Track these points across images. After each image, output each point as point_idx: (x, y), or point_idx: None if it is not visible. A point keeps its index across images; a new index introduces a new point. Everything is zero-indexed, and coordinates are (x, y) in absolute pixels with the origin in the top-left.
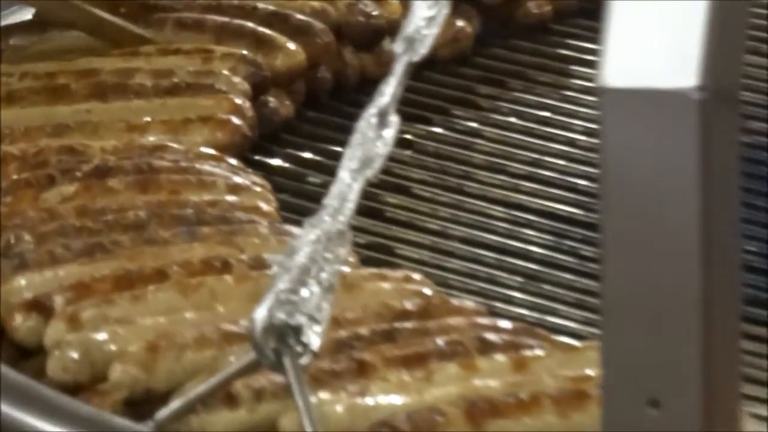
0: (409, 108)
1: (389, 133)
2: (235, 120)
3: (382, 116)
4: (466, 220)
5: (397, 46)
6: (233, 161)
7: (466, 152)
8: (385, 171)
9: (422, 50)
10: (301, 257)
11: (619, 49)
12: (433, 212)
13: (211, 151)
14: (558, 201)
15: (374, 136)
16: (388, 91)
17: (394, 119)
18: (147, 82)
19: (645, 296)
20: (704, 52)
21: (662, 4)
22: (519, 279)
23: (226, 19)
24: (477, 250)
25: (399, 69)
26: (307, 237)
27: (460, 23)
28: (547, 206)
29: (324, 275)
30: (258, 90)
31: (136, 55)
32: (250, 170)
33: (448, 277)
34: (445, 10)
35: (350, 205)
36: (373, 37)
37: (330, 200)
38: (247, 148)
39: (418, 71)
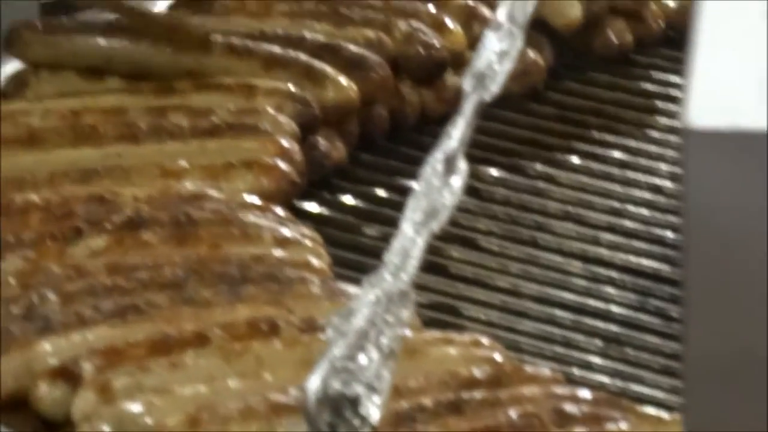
0: (474, 149)
1: (457, 182)
2: (282, 165)
3: (449, 162)
4: (540, 276)
5: (466, 83)
6: (280, 211)
7: (539, 200)
8: (449, 221)
9: (494, 88)
10: (359, 320)
11: (706, 86)
12: (502, 268)
13: (256, 200)
14: (642, 255)
15: (440, 185)
16: (456, 133)
17: (462, 166)
18: (183, 122)
19: (733, 361)
20: None
21: (753, 33)
22: (599, 342)
23: (277, 48)
24: (552, 310)
25: (468, 109)
26: (365, 298)
27: (531, 55)
28: (630, 261)
29: (384, 340)
30: (307, 130)
31: (171, 92)
32: (298, 221)
33: (520, 341)
34: (519, 42)
35: (413, 262)
36: (434, 71)
37: (391, 256)
38: (295, 195)
39: (484, 108)
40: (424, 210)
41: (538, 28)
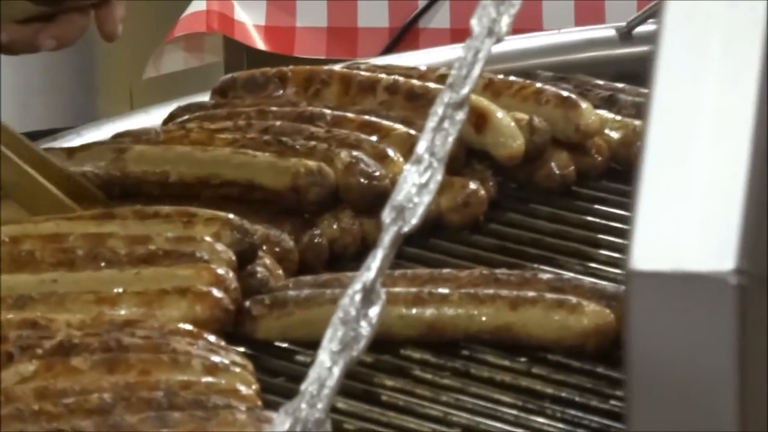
0: None
1: (374, 311)
2: (216, 293)
3: (367, 293)
4: (471, 405)
5: (385, 215)
6: (212, 338)
7: None
8: (384, 350)
9: (413, 220)
10: None
11: (648, 229)
12: (435, 397)
13: (189, 327)
14: (571, 387)
15: (357, 315)
16: (374, 265)
17: (380, 296)
18: (121, 250)
19: None
20: (743, 231)
21: (696, 178)
22: None
23: None
24: None
25: (386, 240)
26: (282, 426)
27: (472, 186)
28: (561, 391)
29: None
30: (245, 258)
31: (111, 218)
32: (231, 348)
33: None
34: (438, 175)
35: (328, 392)
36: (375, 200)
37: (307, 385)
38: (230, 323)
39: (424, 238)
40: (341, 339)
41: (481, 160)
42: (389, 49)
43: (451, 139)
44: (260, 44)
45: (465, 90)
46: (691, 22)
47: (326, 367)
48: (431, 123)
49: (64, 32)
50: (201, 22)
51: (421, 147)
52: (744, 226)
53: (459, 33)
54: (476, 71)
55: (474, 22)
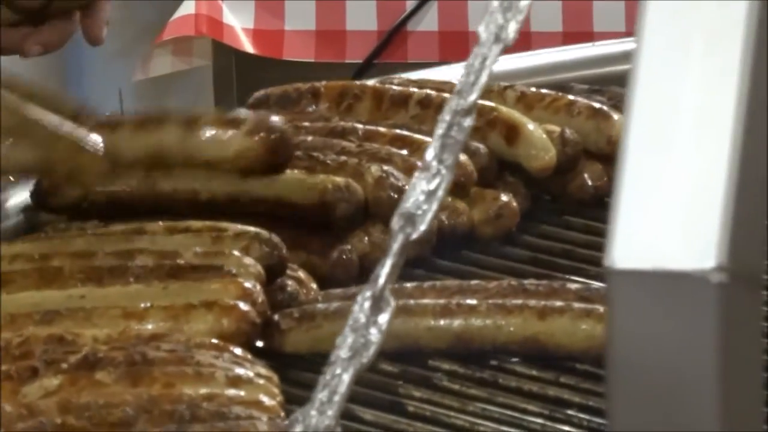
0: None
1: (384, 319)
2: (243, 306)
3: (376, 300)
4: (497, 415)
5: (394, 223)
6: (238, 351)
7: None
8: (411, 361)
9: (422, 227)
10: None
11: (629, 227)
12: (462, 407)
13: (214, 341)
14: (599, 396)
15: (367, 322)
16: (383, 272)
17: (390, 303)
18: (149, 264)
19: None
20: (724, 229)
21: (677, 176)
22: None
23: None
24: None
25: (395, 247)
26: None
27: (504, 198)
28: (588, 400)
29: None
30: (273, 272)
31: (141, 234)
32: (256, 360)
33: None
34: (445, 183)
35: (338, 399)
36: None
37: (318, 393)
38: (257, 336)
39: (457, 251)
40: (351, 346)
41: (513, 172)
42: (377, 52)
43: (459, 146)
44: (249, 47)
45: (472, 96)
46: (672, 20)
47: (336, 374)
48: (439, 130)
49: (51, 38)
50: (190, 25)
51: (429, 154)
52: (725, 223)
53: (447, 36)
54: (483, 78)
55: (481, 29)
